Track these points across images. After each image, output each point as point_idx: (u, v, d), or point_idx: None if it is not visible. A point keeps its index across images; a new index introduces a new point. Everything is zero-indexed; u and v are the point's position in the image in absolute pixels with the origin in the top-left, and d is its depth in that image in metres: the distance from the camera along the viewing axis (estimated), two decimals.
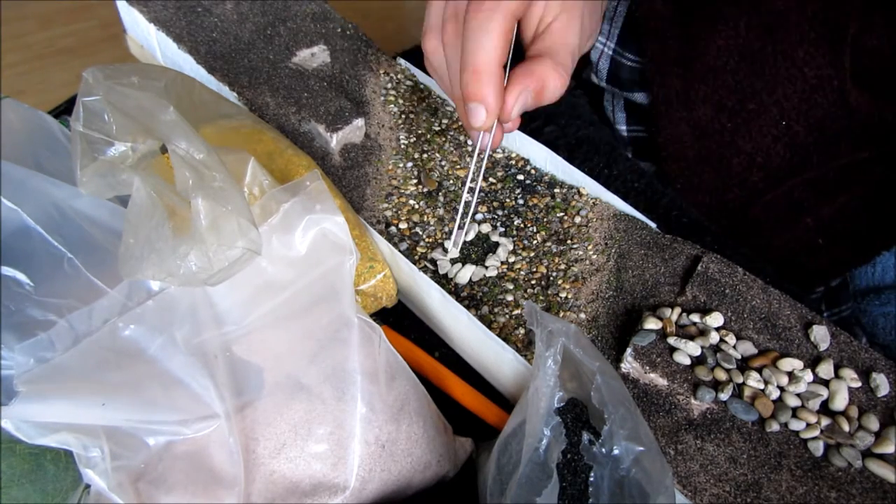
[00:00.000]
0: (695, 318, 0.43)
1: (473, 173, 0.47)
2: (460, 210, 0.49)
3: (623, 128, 0.69)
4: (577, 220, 0.51)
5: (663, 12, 0.58)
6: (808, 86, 0.53)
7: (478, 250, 0.50)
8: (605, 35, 0.64)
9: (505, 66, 0.42)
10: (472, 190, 0.50)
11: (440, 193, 0.53)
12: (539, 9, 0.43)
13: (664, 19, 0.58)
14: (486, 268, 0.49)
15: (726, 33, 0.55)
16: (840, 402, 0.40)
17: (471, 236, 0.50)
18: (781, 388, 0.40)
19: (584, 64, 0.69)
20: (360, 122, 0.54)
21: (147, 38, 0.62)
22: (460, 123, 0.57)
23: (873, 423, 0.39)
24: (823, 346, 0.42)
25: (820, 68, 0.52)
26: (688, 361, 0.41)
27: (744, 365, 0.41)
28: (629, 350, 0.42)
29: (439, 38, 0.45)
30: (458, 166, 0.54)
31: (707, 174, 0.60)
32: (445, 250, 0.49)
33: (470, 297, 0.47)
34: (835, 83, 0.52)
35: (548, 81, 0.42)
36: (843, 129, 0.54)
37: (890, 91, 0.52)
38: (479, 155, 0.46)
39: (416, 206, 0.52)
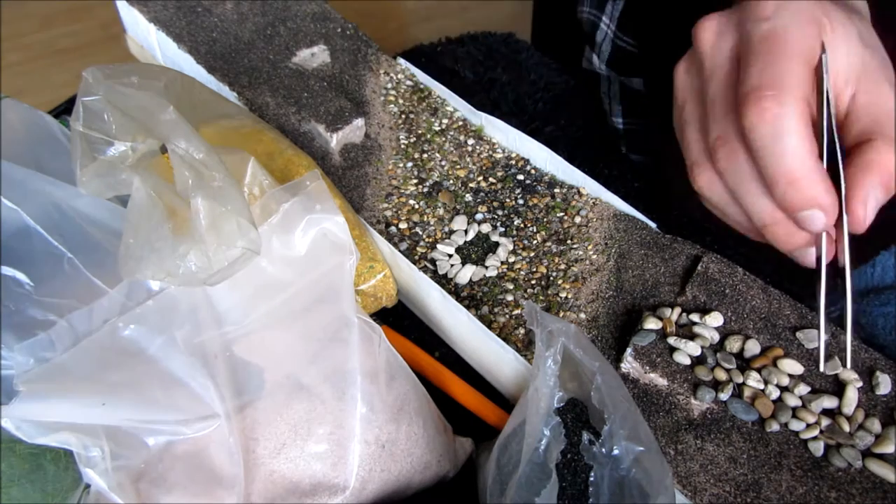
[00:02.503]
0: (695, 317, 0.43)
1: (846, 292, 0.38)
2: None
3: (619, 120, 0.68)
4: (577, 220, 0.51)
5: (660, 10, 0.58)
6: None
7: (478, 250, 0.50)
8: (608, 16, 0.62)
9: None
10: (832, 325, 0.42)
11: (439, 193, 0.53)
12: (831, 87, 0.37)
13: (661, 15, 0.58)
14: (486, 268, 0.49)
15: None
16: (849, 405, 0.39)
17: (471, 236, 0.50)
18: (781, 388, 0.40)
19: (584, 51, 0.68)
20: (360, 122, 0.54)
21: (147, 38, 0.62)
22: (460, 123, 0.57)
23: (873, 423, 0.39)
24: (810, 346, 0.42)
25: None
26: (688, 361, 0.41)
27: (744, 365, 0.41)
28: (629, 350, 0.42)
29: (710, 168, 0.39)
30: (458, 166, 0.54)
31: None
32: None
33: (470, 297, 0.47)
34: None
35: (892, 166, 0.35)
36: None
37: None
38: (834, 270, 0.38)
39: (416, 206, 0.52)
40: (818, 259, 0.38)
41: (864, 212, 0.35)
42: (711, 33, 0.39)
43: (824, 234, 0.37)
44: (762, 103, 0.34)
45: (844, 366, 0.41)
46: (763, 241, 0.40)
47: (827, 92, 0.36)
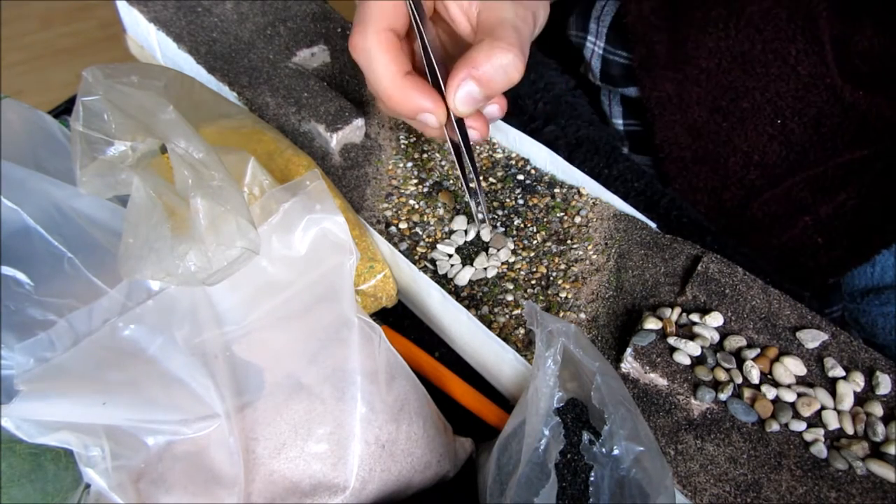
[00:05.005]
0: (695, 317, 0.43)
1: (463, 168, 0.47)
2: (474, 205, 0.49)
3: (619, 122, 0.69)
4: (577, 220, 0.51)
5: (652, 19, 0.58)
6: (801, 84, 0.53)
7: (478, 250, 0.50)
8: (594, 34, 0.65)
9: (429, 69, 0.42)
10: (472, 190, 0.49)
11: (439, 193, 0.53)
12: (455, 9, 0.43)
13: (653, 25, 0.59)
14: (486, 268, 0.48)
15: (716, 35, 0.55)
16: (846, 404, 0.39)
17: (471, 236, 0.50)
18: (781, 388, 0.40)
19: (582, 61, 0.69)
20: (360, 122, 0.54)
21: (147, 38, 0.62)
22: None
23: (873, 423, 0.39)
24: (811, 346, 0.42)
25: (814, 66, 0.52)
26: (688, 361, 0.41)
27: (743, 365, 0.41)
28: (629, 350, 0.42)
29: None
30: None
31: (704, 174, 0.60)
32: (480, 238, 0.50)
33: (470, 297, 0.47)
34: (828, 81, 0.53)
35: (482, 62, 0.39)
36: (839, 125, 0.54)
37: (883, 88, 0.52)
38: (457, 149, 0.46)
39: (416, 206, 0.52)
40: (453, 144, 0.45)
41: (454, 96, 0.40)
42: None
43: (446, 129, 0.44)
44: (350, 41, 0.41)
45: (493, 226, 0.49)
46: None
47: (418, 16, 0.41)
